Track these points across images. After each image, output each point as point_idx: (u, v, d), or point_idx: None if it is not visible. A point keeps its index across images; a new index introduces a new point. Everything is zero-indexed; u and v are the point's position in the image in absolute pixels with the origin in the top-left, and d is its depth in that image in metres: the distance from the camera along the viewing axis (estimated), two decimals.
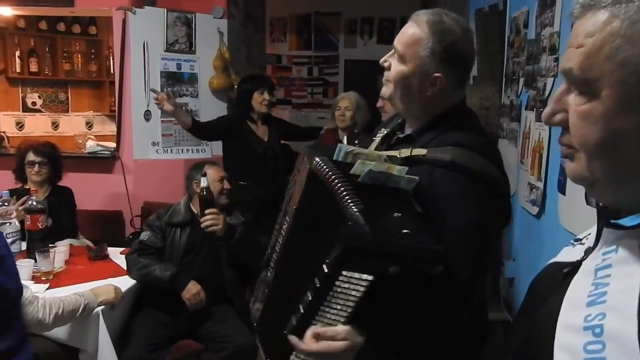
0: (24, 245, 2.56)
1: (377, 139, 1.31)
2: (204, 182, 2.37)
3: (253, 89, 3.28)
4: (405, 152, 1.14)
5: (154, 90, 3.24)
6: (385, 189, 1.04)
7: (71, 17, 4.73)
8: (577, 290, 0.63)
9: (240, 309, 2.40)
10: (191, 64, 3.83)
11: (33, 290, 2.17)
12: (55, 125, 5.04)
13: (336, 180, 1.01)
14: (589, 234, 0.72)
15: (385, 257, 0.93)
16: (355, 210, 0.95)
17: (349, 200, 0.97)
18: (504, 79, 3.03)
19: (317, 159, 1.07)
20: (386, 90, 1.22)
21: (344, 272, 0.96)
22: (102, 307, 2.09)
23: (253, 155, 3.25)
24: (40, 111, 4.95)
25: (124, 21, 3.54)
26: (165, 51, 3.69)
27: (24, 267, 2.30)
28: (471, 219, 1.06)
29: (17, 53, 4.64)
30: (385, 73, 1.21)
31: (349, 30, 6.96)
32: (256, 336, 1.34)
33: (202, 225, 2.35)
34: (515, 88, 2.79)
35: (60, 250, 2.53)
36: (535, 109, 2.32)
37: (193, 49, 3.80)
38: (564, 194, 1.88)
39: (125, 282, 2.37)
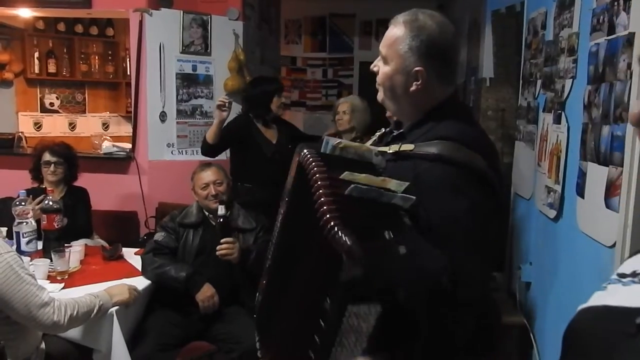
0: (40, 245, 2.58)
1: (374, 137, 1.35)
2: (221, 211, 2.39)
3: (274, 91, 3.26)
4: (394, 148, 1.17)
5: (225, 98, 3.18)
6: (374, 205, 1.00)
7: (89, 18, 4.79)
8: None
9: (252, 311, 2.39)
10: (206, 65, 3.84)
11: (49, 289, 2.19)
12: (72, 126, 5.11)
13: (321, 189, 0.97)
14: None
15: (385, 291, 0.93)
16: (349, 242, 0.88)
17: (339, 229, 0.90)
18: (521, 81, 3.00)
19: (305, 150, 1.09)
20: (379, 95, 1.27)
21: (349, 307, 0.94)
22: (117, 307, 2.09)
23: (261, 158, 3.21)
24: (58, 112, 5.02)
25: (141, 23, 3.56)
26: (181, 53, 3.71)
27: (40, 267, 2.32)
28: (459, 207, 1.07)
29: (36, 54, 4.71)
30: (377, 79, 1.27)
31: (364, 32, 6.95)
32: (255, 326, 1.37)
33: (217, 254, 2.39)
34: (532, 90, 2.76)
35: (76, 250, 2.55)
36: (552, 111, 2.29)
37: (208, 50, 3.82)
38: (583, 197, 1.84)
39: (140, 283, 2.38)
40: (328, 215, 0.92)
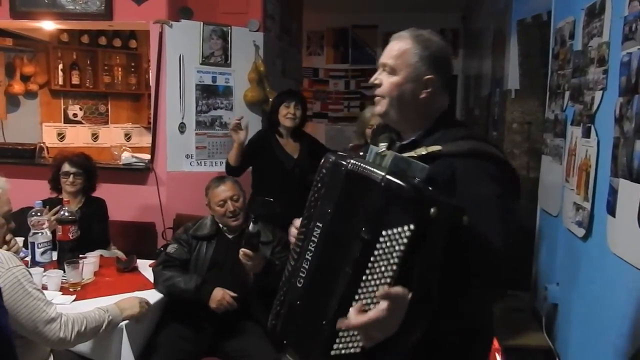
0: (55, 256, 2.57)
1: (381, 148, 1.32)
2: (253, 229, 2.32)
3: (280, 102, 3.24)
4: (420, 151, 1.23)
5: (237, 119, 3.19)
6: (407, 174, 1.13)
7: (112, 31, 4.86)
8: None
9: (264, 326, 2.33)
10: (226, 77, 3.83)
11: (59, 301, 2.19)
12: (95, 137, 5.17)
13: (369, 167, 1.11)
14: None
15: (423, 202, 0.99)
16: (384, 172, 1.05)
17: (379, 170, 1.07)
18: (547, 93, 2.90)
19: (352, 160, 1.15)
20: (380, 107, 1.32)
21: (384, 232, 1.01)
22: (126, 321, 2.05)
23: (281, 172, 3.18)
24: (81, 123, 5.09)
25: (161, 34, 3.57)
26: (200, 64, 3.70)
27: (53, 278, 2.30)
28: (495, 192, 1.16)
29: (60, 66, 4.78)
30: (377, 91, 1.32)
31: (386, 44, 6.86)
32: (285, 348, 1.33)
33: (240, 256, 2.31)
34: (560, 102, 2.66)
35: (89, 261, 2.53)
36: (581, 125, 2.19)
37: (228, 62, 3.80)
38: (614, 216, 1.73)
39: (152, 296, 2.34)
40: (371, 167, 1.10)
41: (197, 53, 3.67)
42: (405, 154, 1.21)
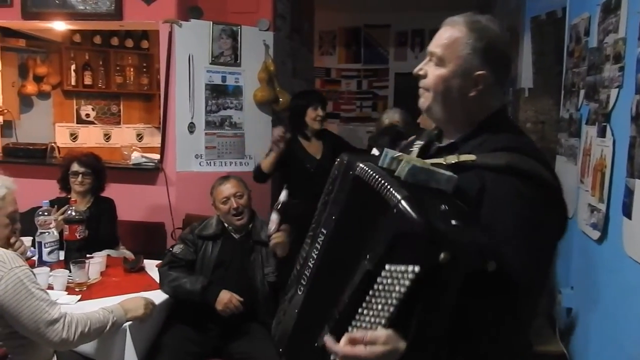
0: (62, 255, 2.57)
1: (415, 149, 1.22)
2: (284, 197, 2.35)
3: (307, 104, 3.19)
4: (451, 159, 1.08)
5: (282, 132, 3.13)
6: (427, 187, 0.99)
7: (124, 31, 4.87)
8: None
9: (270, 328, 2.30)
10: (236, 76, 3.81)
11: (64, 300, 2.18)
12: (107, 137, 5.18)
13: (380, 179, 0.98)
14: None
15: (434, 245, 0.87)
16: (400, 197, 0.91)
17: (392, 189, 0.93)
18: (562, 91, 2.83)
19: (361, 164, 1.04)
20: (424, 100, 1.17)
21: (387, 267, 0.91)
22: (130, 322, 2.03)
23: (304, 173, 3.15)
24: (94, 123, 5.11)
25: (170, 34, 3.56)
26: (210, 64, 3.68)
27: (59, 278, 2.30)
28: (526, 218, 1.02)
29: (73, 67, 4.81)
30: (421, 82, 1.16)
31: (399, 43, 6.85)
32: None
33: (271, 243, 2.34)
34: (574, 101, 2.59)
35: (96, 261, 2.52)
36: (597, 124, 2.12)
37: (238, 61, 3.78)
38: (630, 218, 1.67)
39: (158, 296, 2.32)
40: (385, 183, 0.95)
41: (206, 53, 3.66)
42: (431, 161, 1.08)
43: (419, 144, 1.25)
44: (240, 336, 2.35)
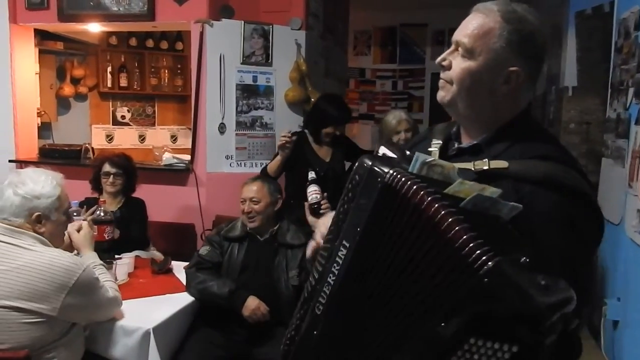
0: None
1: (434, 149, 1.10)
2: (311, 175, 2.36)
3: (325, 124, 3.08)
4: (480, 165, 0.97)
5: (288, 135, 3.08)
6: (485, 218, 0.87)
7: (159, 33, 4.92)
8: None
9: None
10: (267, 76, 3.77)
11: None
12: (142, 138, 5.25)
13: (430, 199, 0.84)
14: None
15: (540, 327, 0.77)
16: (492, 264, 0.77)
17: (474, 247, 0.78)
18: (609, 90, 2.67)
19: (391, 171, 0.90)
20: (444, 94, 1.06)
21: (472, 340, 0.79)
22: (153, 325, 2.00)
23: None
24: (129, 124, 5.18)
25: (202, 34, 3.55)
26: (241, 63, 3.66)
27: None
28: (569, 241, 0.93)
29: (109, 69, 4.89)
30: (443, 74, 1.06)
31: (436, 42, 6.70)
32: None
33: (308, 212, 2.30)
34: (623, 100, 2.44)
35: (123, 262, 2.51)
36: None
37: (269, 61, 3.75)
38: None
39: (184, 299, 2.30)
40: (466, 237, 0.80)
41: (237, 52, 3.63)
42: (460, 164, 0.97)
43: (437, 143, 1.13)
44: (266, 341, 2.30)
